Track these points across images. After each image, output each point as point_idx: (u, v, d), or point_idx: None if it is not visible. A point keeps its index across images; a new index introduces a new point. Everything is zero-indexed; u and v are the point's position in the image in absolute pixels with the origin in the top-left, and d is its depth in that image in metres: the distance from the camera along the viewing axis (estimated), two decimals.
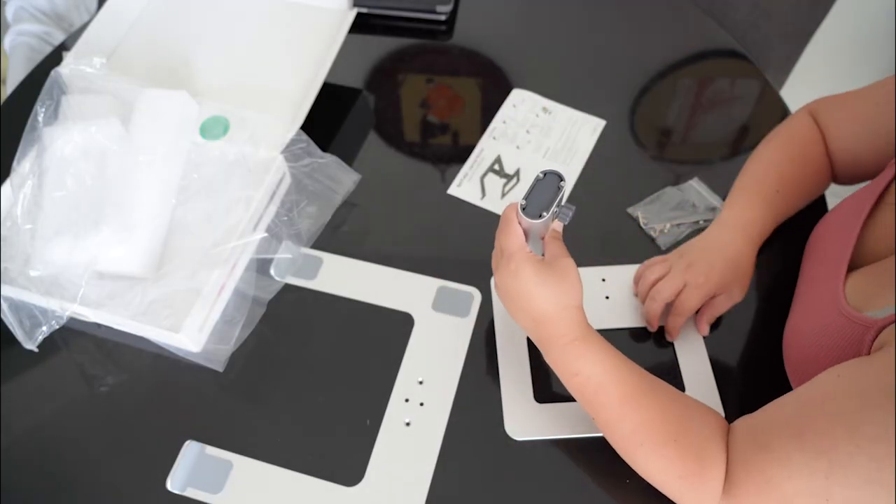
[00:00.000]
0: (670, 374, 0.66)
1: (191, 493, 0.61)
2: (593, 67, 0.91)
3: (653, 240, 0.74)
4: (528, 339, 0.68)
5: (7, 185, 0.72)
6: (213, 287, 0.67)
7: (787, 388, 0.62)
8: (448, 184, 0.80)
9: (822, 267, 0.62)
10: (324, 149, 0.75)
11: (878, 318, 0.52)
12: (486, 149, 0.82)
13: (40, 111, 0.73)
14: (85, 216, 0.68)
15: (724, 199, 0.76)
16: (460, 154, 0.83)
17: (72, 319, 0.67)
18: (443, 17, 0.95)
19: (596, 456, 0.63)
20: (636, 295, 0.69)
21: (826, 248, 0.63)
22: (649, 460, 0.54)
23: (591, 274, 0.72)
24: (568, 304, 0.57)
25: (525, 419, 0.64)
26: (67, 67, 0.77)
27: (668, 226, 0.74)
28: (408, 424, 0.64)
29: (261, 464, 0.62)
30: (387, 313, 0.70)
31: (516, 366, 0.67)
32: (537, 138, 0.83)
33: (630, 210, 0.76)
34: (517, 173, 0.80)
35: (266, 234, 0.72)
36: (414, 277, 0.72)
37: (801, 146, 0.70)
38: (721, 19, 0.98)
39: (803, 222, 0.71)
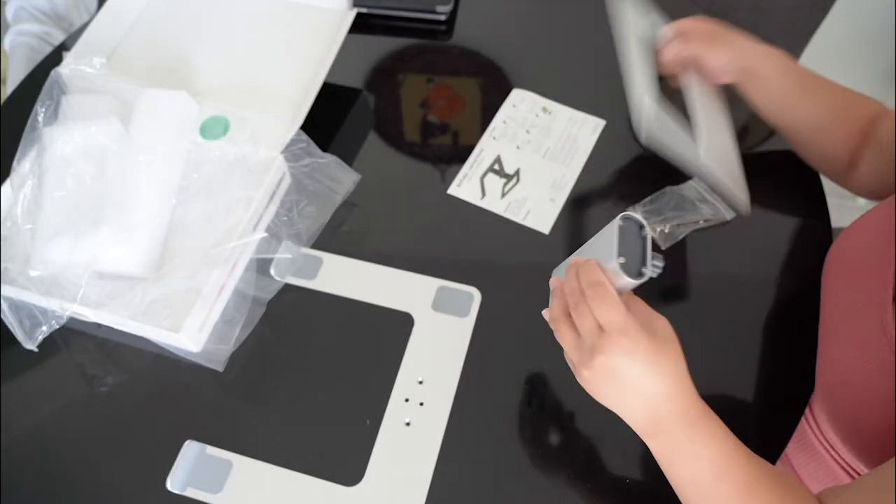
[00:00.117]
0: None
1: (191, 493, 0.61)
2: (593, 67, 0.91)
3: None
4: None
5: (7, 185, 0.72)
6: (213, 287, 0.67)
7: (797, 405, 0.61)
8: (448, 184, 0.80)
9: (858, 295, 0.57)
10: (324, 149, 0.75)
11: None
12: (486, 149, 0.82)
13: (40, 111, 0.73)
14: (85, 216, 0.68)
15: (723, 198, 0.76)
16: (460, 154, 0.83)
17: (72, 319, 0.67)
18: (443, 17, 0.95)
19: (596, 456, 0.63)
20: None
21: (857, 275, 0.59)
22: None
23: None
24: (682, 376, 0.49)
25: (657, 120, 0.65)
26: (67, 67, 0.77)
27: (668, 226, 0.74)
28: (408, 424, 0.64)
29: (261, 464, 0.62)
30: (387, 313, 0.70)
31: None
32: (537, 138, 0.83)
33: (630, 210, 0.76)
34: (517, 173, 0.80)
35: (266, 234, 0.72)
36: (414, 277, 0.72)
37: (851, 101, 0.69)
38: (721, 19, 0.98)
39: (783, 217, 0.70)
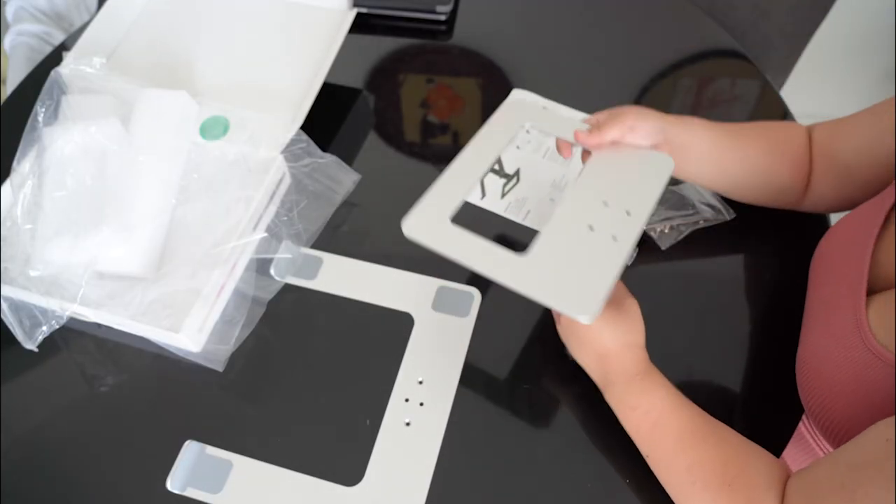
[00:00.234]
0: None
1: (191, 493, 0.61)
2: (593, 67, 0.91)
3: (653, 241, 0.74)
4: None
5: (7, 185, 0.72)
6: (213, 287, 0.67)
7: (796, 406, 0.62)
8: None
9: (837, 288, 0.59)
10: (324, 149, 0.75)
11: None
12: None
13: (40, 111, 0.73)
14: (85, 216, 0.68)
15: (722, 198, 0.76)
16: None
17: (72, 319, 0.67)
18: (443, 17, 0.95)
19: (596, 457, 0.63)
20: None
21: (838, 267, 0.61)
22: (701, 500, 0.54)
23: None
24: (632, 343, 0.59)
25: (429, 226, 0.59)
26: (67, 67, 0.77)
27: (667, 226, 0.74)
28: (408, 424, 0.64)
29: (261, 464, 0.62)
30: (387, 313, 0.70)
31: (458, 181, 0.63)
32: (537, 138, 0.83)
33: None
34: (517, 173, 0.80)
35: (266, 234, 0.72)
36: (414, 277, 0.72)
37: (781, 133, 0.69)
38: (721, 19, 0.98)
39: (784, 217, 0.70)
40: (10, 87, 1.00)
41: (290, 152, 0.74)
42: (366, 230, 0.77)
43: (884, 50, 1.52)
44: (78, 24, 1.20)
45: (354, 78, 0.90)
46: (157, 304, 0.66)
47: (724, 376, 0.66)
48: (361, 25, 0.89)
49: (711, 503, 0.53)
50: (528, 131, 0.83)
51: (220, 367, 0.67)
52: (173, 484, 0.61)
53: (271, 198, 0.74)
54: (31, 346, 0.65)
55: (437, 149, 0.85)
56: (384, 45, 0.94)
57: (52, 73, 0.75)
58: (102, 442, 0.65)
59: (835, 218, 0.77)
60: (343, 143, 0.83)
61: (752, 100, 0.88)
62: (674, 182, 0.78)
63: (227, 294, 0.70)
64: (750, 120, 0.84)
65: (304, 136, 0.74)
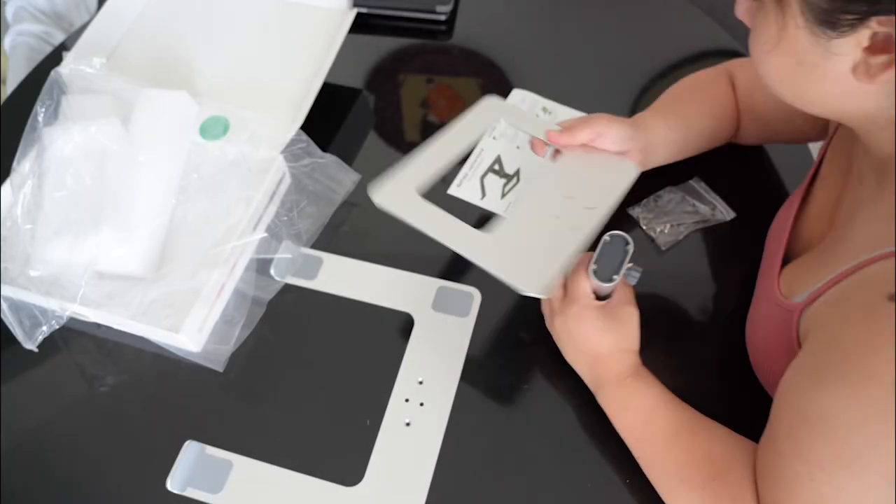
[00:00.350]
0: None
1: (191, 493, 0.61)
2: (593, 67, 0.91)
3: (652, 240, 0.74)
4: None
5: (7, 185, 0.72)
6: (213, 287, 0.67)
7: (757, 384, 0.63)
8: (448, 184, 0.80)
9: (766, 262, 0.65)
10: (324, 149, 0.75)
11: (800, 302, 0.53)
12: (486, 149, 0.82)
13: (40, 111, 0.73)
14: (85, 216, 0.68)
15: (723, 198, 0.76)
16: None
17: (72, 319, 0.67)
18: (443, 17, 0.95)
19: (595, 457, 0.63)
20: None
21: (771, 244, 0.66)
22: (687, 494, 0.56)
23: None
24: (624, 348, 0.60)
25: (399, 197, 0.64)
26: (67, 67, 0.77)
27: (667, 226, 0.74)
28: (408, 424, 0.64)
29: (261, 464, 0.62)
30: (387, 313, 0.70)
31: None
32: None
33: (630, 210, 0.76)
34: (517, 173, 0.80)
35: (266, 234, 0.72)
36: (414, 277, 0.72)
37: (713, 92, 0.75)
38: (721, 19, 0.97)
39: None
40: (10, 87, 1.01)
41: (290, 152, 0.74)
42: (366, 230, 0.77)
43: None
44: (78, 24, 1.20)
45: (354, 78, 0.90)
46: (157, 304, 0.66)
47: (724, 374, 0.66)
48: (361, 25, 0.89)
49: (698, 500, 0.55)
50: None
51: (220, 367, 0.67)
52: (173, 484, 0.61)
53: (271, 198, 0.74)
54: (31, 346, 0.65)
55: None
56: (384, 45, 0.94)
57: (52, 73, 0.75)
58: (102, 442, 0.65)
59: None
60: (343, 143, 0.83)
61: None
62: (675, 181, 0.78)
63: (227, 294, 0.70)
64: None
65: (304, 136, 0.74)
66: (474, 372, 0.67)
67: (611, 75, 0.90)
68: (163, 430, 0.65)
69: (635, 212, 0.76)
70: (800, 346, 0.54)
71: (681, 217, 0.75)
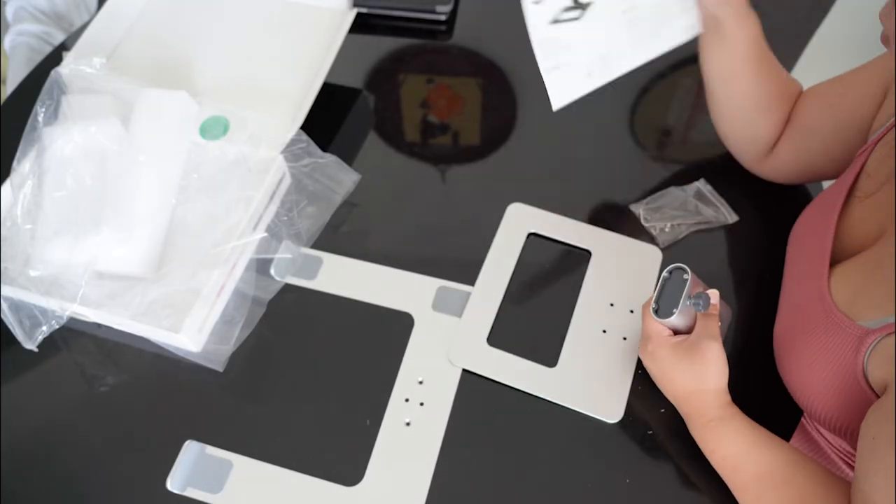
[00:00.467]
0: None
1: (191, 493, 0.61)
2: None
3: (653, 238, 0.74)
4: (507, 287, 0.72)
5: (7, 185, 0.72)
6: (213, 287, 0.67)
7: (778, 390, 0.62)
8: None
9: (804, 264, 0.63)
10: (324, 149, 0.75)
11: (873, 328, 0.52)
12: None
13: (40, 111, 0.73)
14: (85, 216, 0.68)
15: (728, 202, 0.76)
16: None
17: (72, 319, 0.67)
18: (443, 17, 0.95)
19: (595, 456, 0.63)
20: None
21: (805, 245, 0.65)
22: None
23: None
24: (704, 388, 0.58)
25: (471, 354, 0.67)
26: (67, 67, 0.77)
27: (668, 225, 0.74)
28: (408, 424, 0.64)
29: (261, 464, 0.62)
30: (387, 313, 0.70)
31: (486, 302, 0.70)
32: None
33: (632, 207, 0.76)
34: (586, 6, 0.61)
35: (266, 234, 0.72)
36: (414, 277, 0.72)
37: (792, 88, 0.73)
38: None
39: (787, 222, 0.71)
40: (10, 87, 1.00)
41: (290, 152, 0.74)
42: (366, 230, 0.77)
43: (884, 50, 1.52)
44: (78, 24, 1.19)
45: (354, 78, 0.90)
46: (157, 304, 0.66)
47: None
48: (361, 25, 0.89)
49: None
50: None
51: (220, 367, 0.67)
52: (173, 484, 0.61)
53: (271, 198, 0.74)
54: (31, 346, 0.65)
55: (437, 149, 0.85)
56: (384, 45, 0.94)
57: (52, 73, 0.75)
58: (102, 442, 0.65)
59: None
60: (343, 143, 0.83)
61: None
62: (679, 182, 0.78)
63: (227, 294, 0.70)
64: None
65: (304, 136, 0.74)
66: (474, 372, 0.67)
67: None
68: (163, 430, 0.65)
69: (637, 209, 0.76)
70: (865, 373, 0.53)
71: (682, 217, 0.75)
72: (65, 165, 0.70)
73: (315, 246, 0.74)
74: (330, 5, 0.85)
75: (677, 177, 0.80)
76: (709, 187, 0.77)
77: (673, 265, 0.60)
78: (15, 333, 0.66)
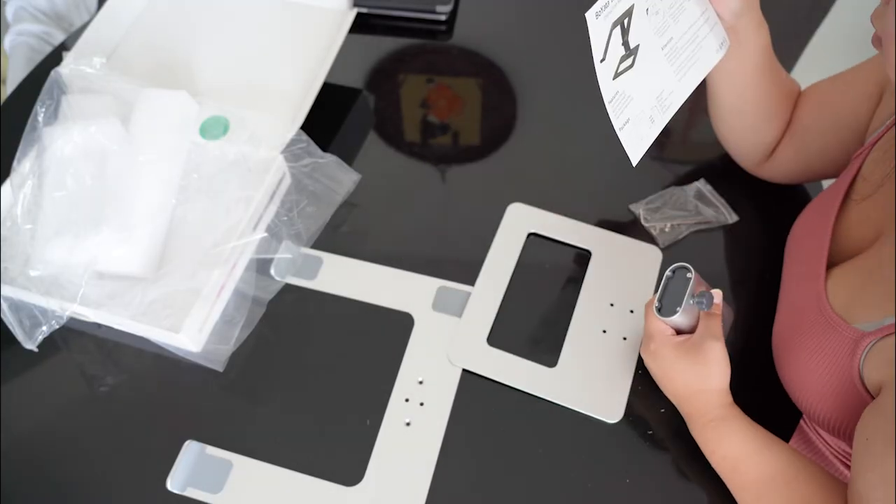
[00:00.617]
0: None
1: (191, 493, 0.61)
2: (592, 67, 0.91)
3: (653, 238, 0.74)
4: (507, 287, 0.71)
5: (7, 185, 0.72)
6: (213, 287, 0.67)
7: (778, 391, 0.62)
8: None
9: (802, 266, 0.63)
10: (324, 149, 0.75)
11: (868, 331, 0.53)
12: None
13: (40, 111, 0.73)
14: (85, 216, 0.68)
15: (728, 202, 0.76)
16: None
17: (72, 319, 0.67)
18: (443, 17, 0.95)
19: (595, 456, 0.63)
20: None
21: (803, 247, 0.65)
22: None
23: None
24: (705, 388, 0.58)
25: (471, 354, 0.67)
26: (67, 67, 0.77)
27: (668, 225, 0.74)
28: (408, 424, 0.64)
29: (261, 464, 0.62)
30: (387, 313, 0.70)
31: (486, 302, 0.70)
32: (664, 15, 0.60)
33: (632, 207, 0.76)
34: (635, 52, 0.60)
35: (266, 234, 0.72)
36: (414, 277, 0.72)
37: (794, 90, 0.73)
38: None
39: (787, 222, 0.71)
40: (10, 87, 1.00)
41: (290, 152, 0.74)
42: (366, 230, 0.77)
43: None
44: (78, 24, 1.19)
45: (354, 78, 0.90)
46: (157, 304, 0.66)
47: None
48: (361, 25, 0.89)
49: None
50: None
51: (220, 367, 0.67)
52: (173, 484, 0.61)
53: (271, 198, 0.74)
54: (31, 346, 0.65)
55: (437, 149, 0.85)
56: (384, 45, 0.94)
57: (52, 73, 0.75)
58: (102, 442, 0.65)
59: None
60: (343, 143, 0.83)
61: None
62: (679, 182, 0.78)
63: (227, 294, 0.70)
64: None
65: (304, 136, 0.74)
66: (474, 372, 0.67)
67: None
68: (163, 430, 0.65)
69: (637, 209, 0.76)
70: (861, 376, 0.53)
71: (681, 217, 0.75)
72: (65, 165, 0.70)
73: (315, 246, 0.74)
74: (330, 5, 0.85)
75: (677, 177, 0.80)
76: (709, 187, 0.77)
77: (676, 264, 0.60)
78: (15, 333, 0.66)
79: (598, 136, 0.84)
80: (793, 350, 0.60)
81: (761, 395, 0.64)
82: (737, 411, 0.59)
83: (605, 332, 0.68)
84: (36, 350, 0.66)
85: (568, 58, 0.92)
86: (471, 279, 0.72)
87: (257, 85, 0.81)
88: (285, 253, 0.73)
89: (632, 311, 0.69)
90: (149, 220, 0.69)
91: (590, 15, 0.57)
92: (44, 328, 0.66)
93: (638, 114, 0.61)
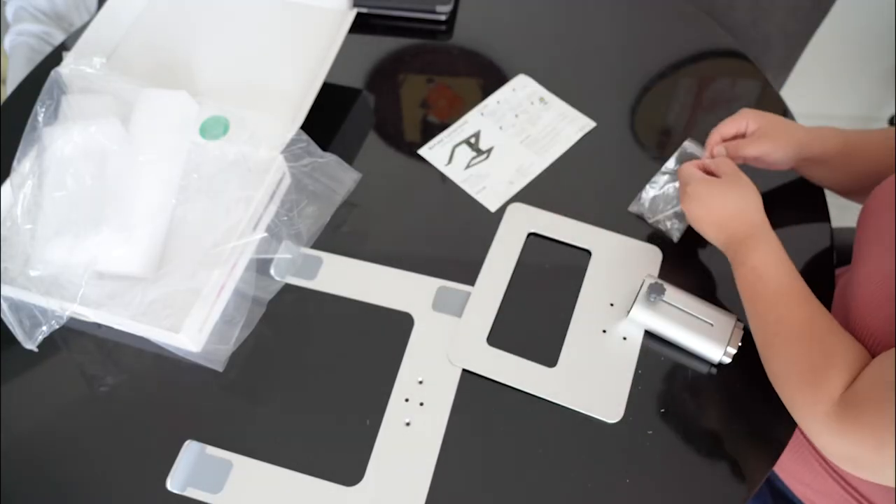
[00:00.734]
0: None
1: (191, 493, 0.61)
2: (593, 68, 0.91)
3: (664, 234, 0.74)
4: (507, 287, 0.72)
5: (7, 185, 0.72)
6: (213, 287, 0.67)
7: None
8: (420, 145, 0.81)
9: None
10: (324, 149, 0.75)
11: None
12: (471, 122, 0.85)
13: (40, 111, 0.73)
14: (85, 216, 0.68)
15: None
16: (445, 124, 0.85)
17: (72, 319, 0.67)
18: (443, 17, 0.95)
19: (595, 456, 0.63)
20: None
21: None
22: (779, 352, 0.59)
23: None
24: (745, 207, 0.64)
25: (471, 354, 0.68)
26: (67, 67, 0.77)
27: (672, 213, 0.72)
28: (408, 424, 0.64)
29: (261, 464, 0.62)
30: (387, 313, 0.70)
31: (486, 302, 0.71)
32: (523, 124, 0.84)
33: (630, 208, 0.76)
34: (489, 151, 0.82)
35: (266, 234, 0.72)
36: (414, 277, 0.72)
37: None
38: (721, 19, 0.98)
39: (787, 221, 0.70)
40: (10, 87, 1.00)
41: (290, 152, 0.74)
42: (366, 230, 0.77)
43: (884, 50, 1.52)
44: (78, 24, 1.19)
45: (354, 78, 0.90)
46: (157, 304, 0.66)
47: (725, 374, 0.66)
48: (361, 25, 0.89)
49: (789, 352, 0.58)
50: (516, 115, 0.85)
51: (220, 367, 0.67)
52: (173, 484, 0.61)
53: (271, 198, 0.74)
54: (31, 346, 0.65)
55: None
56: (384, 45, 0.94)
57: (52, 73, 0.75)
58: (102, 442, 0.65)
59: (839, 222, 0.77)
60: (343, 143, 0.83)
61: (752, 100, 0.88)
62: (661, 158, 0.78)
63: (227, 294, 0.70)
64: None
65: (305, 136, 0.74)
66: (474, 372, 0.67)
67: (611, 75, 0.90)
68: (163, 430, 0.65)
69: (635, 208, 0.75)
70: None
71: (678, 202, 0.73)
72: (65, 165, 0.70)
73: (315, 246, 0.75)
74: (330, 5, 0.85)
75: (630, 197, 0.78)
76: (694, 144, 0.74)
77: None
78: (15, 333, 0.66)
79: (598, 137, 0.84)
80: (881, 294, 0.59)
81: (761, 391, 0.63)
82: (771, 232, 0.63)
83: (604, 332, 0.68)
84: (36, 350, 0.66)
85: (568, 57, 0.92)
86: (471, 279, 0.72)
87: (257, 85, 0.81)
88: (285, 253, 0.73)
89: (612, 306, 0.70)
90: (149, 220, 0.69)
91: (423, 150, 0.82)
92: (44, 328, 0.66)
93: (494, 181, 0.79)
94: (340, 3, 0.85)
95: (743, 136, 0.72)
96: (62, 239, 0.67)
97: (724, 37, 0.93)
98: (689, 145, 0.74)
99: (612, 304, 0.70)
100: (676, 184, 0.74)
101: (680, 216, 0.73)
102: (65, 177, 0.69)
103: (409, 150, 0.84)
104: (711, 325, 0.65)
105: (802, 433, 0.68)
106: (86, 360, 0.69)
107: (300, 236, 0.73)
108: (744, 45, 0.92)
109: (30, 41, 1.15)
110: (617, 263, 0.72)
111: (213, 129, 0.75)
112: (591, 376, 0.66)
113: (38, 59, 1.10)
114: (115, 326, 0.68)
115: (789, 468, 0.76)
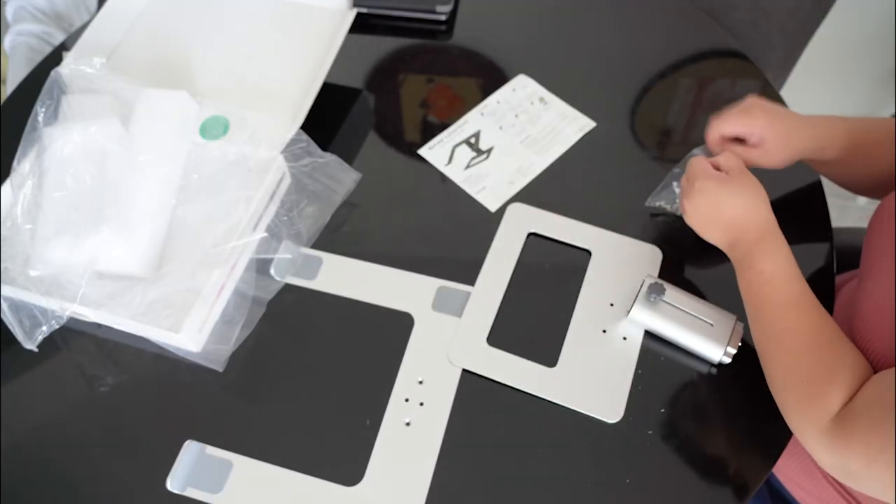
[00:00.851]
0: None
1: (191, 493, 0.61)
2: (593, 68, 0.91)
3: (670, 212, 0.74)
4: (507, 287, 0.71)
5: (7, 185, 0.72)
6: (213, 287, 0.67)
7: None
8: (420, 145, 0.81)
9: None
10: (324, 149, 0.75)
11: None
12: (471, 122, 0.85)
13: (40, 111, 0.73)
14: (85, 216, 0.68)
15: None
16: (445, 125, 0.85)
17: (72, 319, 0.67)
18: (443, 17, 0.95)
19: (596, 457, 0.63)
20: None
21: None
22: (782, 360, 0.58)
23: None
24: (755, 208, 0.62)
25: (471, 354, 0.68)
26: (67, 67, 0.77)
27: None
28: (408, 424, 0.64)
29: (261, 464, 0.62)
30: (387, 313, 0.70)
31: (486, 302, 0.71)
32: (523, 124, 0.84)
33: (649, 203, 0.75)
34: (489, 151, 0.82)
35: (266, 234, 0.72)
36: (414, 277, 0.72)
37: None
38: (721, 19, 0.97)
39: (787, 219, 0.70)
40: (10, 87, 1.00)
41: (290, 152, 0.74)
42: (366, 230, 0.77)
43: (884, 50, 1.52)
44: (78, 24, 1.19)
45: (354, 78, 0.90)
46: (157, 304, 0.66)
47: (725, 374, 0.66)
48: (361, 25, 0.89)
49: (792, 362, 0.57)
50: (516, 115, 0.85)
51: (220, 367, 0.67)
52: (173, 484, 0.61)
53: (271, 198, 0.74)
54: (31, 346, 0.65)
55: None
56: (384, 45, 0.94)
57: (52, 73, 0.75)
58: (102, 442, 0.65)
59: (839, 222, 0.77)
60: (343, 143, 0.83)
61: None
62: (676, 158, 0.78)
63: (227, 294, 0.70)
64: None
65: (304, 136, 0.74)
66: (474, 372, 0.67)
67: (611, 75, 0.90)
68: (163, 430, 0.65)
69: (656, 202, 0.75)
70: None
71: None
72: (65, 165, 0.70)
73: (315, 246, 0.75)
74: (330, 5, 0.85)
75: (635, 195, 0.78)
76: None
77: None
78: (15, 333, 0.66)
79: (598, 137, 0.84)
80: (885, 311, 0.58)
81: (761, 391, 0.63)
82: (780, 234, 0.62)
83: (604, 332, 0.68)
84: (36, 350, 0.66)
85: (568, 57, 0.92)
86: (471, 279, 0.72)
87: (257, 85, 0.81)
88: (285, 253, 0.73)
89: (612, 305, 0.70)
90: (149, 220, 0.69)
91: (423, 150, 0.82)
92: (44, 328, 0.66)
93: (495, 181, 0.79)
94: (340, 3, 0.85)
95: (743, 138, 0.70)
96: (62, 239, 0.67)
97: (724, 37, 0.93)
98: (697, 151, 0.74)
99: (612, 304, 0.70)
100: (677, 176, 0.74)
101: None
102: (65, 177, 0.69)
103: (409, 150, 0.84)
104: (711, 325, 0.65)
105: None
106: (86, 360, 0.69)
107: (300, 236, 0.73)
108: (744, 45, 0.92)
109: (30, 41, 1.15)
110: (617, 263, 0.72)
111: (213, 129, 0.75)
112: (591, 376, 0.66)
113: (38, 59, 1.10)
114: (115, 326, 0.68)
115: (787, 472, 0.76)
